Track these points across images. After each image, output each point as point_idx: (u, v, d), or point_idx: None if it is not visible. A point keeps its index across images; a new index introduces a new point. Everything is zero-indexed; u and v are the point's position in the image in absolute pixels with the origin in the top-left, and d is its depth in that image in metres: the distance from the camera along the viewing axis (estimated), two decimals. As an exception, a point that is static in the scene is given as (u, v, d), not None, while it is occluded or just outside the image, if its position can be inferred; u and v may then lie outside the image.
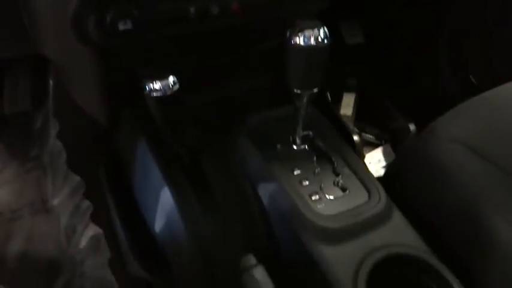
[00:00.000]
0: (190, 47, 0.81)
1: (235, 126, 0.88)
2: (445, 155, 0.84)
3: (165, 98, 0.77)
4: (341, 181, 0.80)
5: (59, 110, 1.27)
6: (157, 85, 0.76)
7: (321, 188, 0.79)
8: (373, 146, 1.43)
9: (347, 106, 1.49)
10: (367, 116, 1.50)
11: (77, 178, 1.20)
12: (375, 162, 1.38)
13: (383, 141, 1.43)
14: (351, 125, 1.44)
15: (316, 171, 0.82)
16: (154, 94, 0.76)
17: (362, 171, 0.82)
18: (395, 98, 1.50)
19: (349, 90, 1.52)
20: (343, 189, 0.80)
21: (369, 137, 1.44)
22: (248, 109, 0.91)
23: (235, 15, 0.76)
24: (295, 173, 0.81)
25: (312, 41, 0.71)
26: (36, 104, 1.38)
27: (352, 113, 1.48)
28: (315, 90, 0.78)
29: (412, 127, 1.34)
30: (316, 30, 0.71)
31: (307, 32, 0.71)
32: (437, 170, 0.82)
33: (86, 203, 1.16)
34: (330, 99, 1.45)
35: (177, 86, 0.77)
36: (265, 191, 0.81)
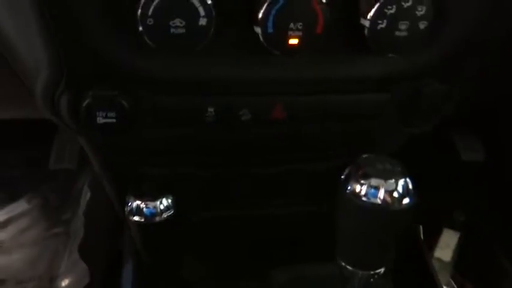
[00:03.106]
0: (201, 154, 0.57)
1: (252, 278, 0.60)
2: None
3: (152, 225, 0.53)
4: None
5: (93, 180, 1.12)
6: (143, 207, 0.52)
7: None
8: (474, 316, 1.02)
9: (446, 248, 1.12)
10: (471, 267, 1.10)
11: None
12: None
13: (490, 312, 1.02)
14: (445, 277, 1.06)
15: None
16: (136, 219, 0.52)
17: None
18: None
19: (452, 227, 1.15)
20: None
21: (470, 301, 1.04)
22: (276, 244, 0.63)
23: (273, 124, 0.51)
24: None
25: (381, 198, 0.42)
26: (83, 165, 1.26)
27: (451, 259, 1.09)
28: (378, 271, 0.48)
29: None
30: (391, 182, 0.42)
31: (376, 182, 0.42)
32: None
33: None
34: (422, 234, 1.10)
35: (170, 212, 0.53)
36: None
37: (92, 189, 1.12)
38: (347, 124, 0.54)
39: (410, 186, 0.43)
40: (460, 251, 1.12)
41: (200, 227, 0.62)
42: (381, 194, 0.42)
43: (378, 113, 0.53)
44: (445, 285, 1.05)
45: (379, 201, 0.42)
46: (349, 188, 0.44)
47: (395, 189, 0.42)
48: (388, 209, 0.42)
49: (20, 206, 1.26)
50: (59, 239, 1.19)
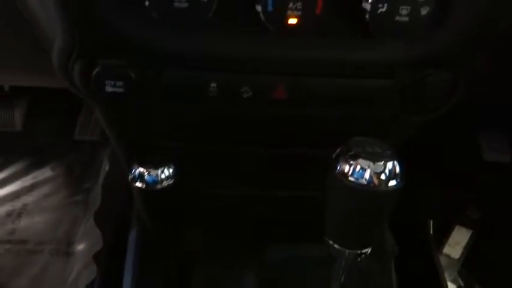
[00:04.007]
0: (205, 129, 0.59)
1: (247, 256, 0.62)
2: None
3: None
4: None
5: (113, 152, 1.17)
6: (145, 174, 0.55)
7: None
8: (478, 316, 1.01)
9: (456, 245, 1.10)
10: (479, 266, 1.08)
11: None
12: None
13: (495, 313, 1.00)
14: (452, 274, 1.05)
15: None
16: (138, 185, 0.55)
17: None
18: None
19: (465, 224, 1.13)
20: None
21: (475, 300, 1.03)
22: (272, 224, 0.64)
23: (275, 104, 0.52)
24: None
25: (367, 179, 0.43)
26: (106, 137, 1.30)
27: (460, 257, 1.08)
28: (364, 251, 0.49)
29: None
30: (380, 164, 0.43)
31: (364, 163, 0.43)
32: None
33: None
34: (431, 229, 1.09)
35: (170, 182, 0.55)
36: None
37: (111, 161, 1.16)
38: (349, 110, 0.54)
39: (398, 169, 0.43)
40: (471, 249, 1.10)
41: (201, 201, 0.64)
42: (368, 175, 0.43)
43: (380, 100, 0.53)
44: (451, 281, 1.04)
45: (365, 182, 0.43)
46: (338, 167, 0.45)
47: (383, 171, 0.43)
48: (374, 190, 0.43)
49: (45, 173, 1.33)
50: (79, 206, 1.25)
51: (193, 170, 0.61)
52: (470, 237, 1.11)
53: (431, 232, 1.08)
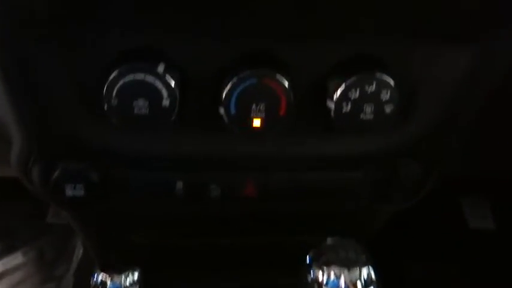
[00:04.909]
0: (172, 226, 0.56)
1: None
2: None
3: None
4: None
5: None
6: (107, 282, 0.51)
7: None
8: None
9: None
10: None
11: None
12: None
13: None
14: None
15: None
16: (100, 293, 0.51)
17: None
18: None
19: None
20: None
21: None
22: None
23: (244, 201, 0.50)
24: None
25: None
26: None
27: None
28: None
29: None
30: (354, 271, 0.41)
31: (338, 270, 0.41)
32: None
33: None
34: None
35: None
36: None
37: (84, 246, 1.11)
38: (320, 203, 0.52)
39: (373, 276, 0.41)
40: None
41: None
42: (343, 283, 0.40)
43: (350, 192, 0.52)
44: None
45: (340, 292, 0.40)
46: (311, 274, 0.42)
47: (358, 278, 0.41)
48: (350, 300, 0.40)
49: (15, 259, 1.26)
50: (47, 298, 1.17)
51: (160, 267, 0.57)
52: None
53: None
